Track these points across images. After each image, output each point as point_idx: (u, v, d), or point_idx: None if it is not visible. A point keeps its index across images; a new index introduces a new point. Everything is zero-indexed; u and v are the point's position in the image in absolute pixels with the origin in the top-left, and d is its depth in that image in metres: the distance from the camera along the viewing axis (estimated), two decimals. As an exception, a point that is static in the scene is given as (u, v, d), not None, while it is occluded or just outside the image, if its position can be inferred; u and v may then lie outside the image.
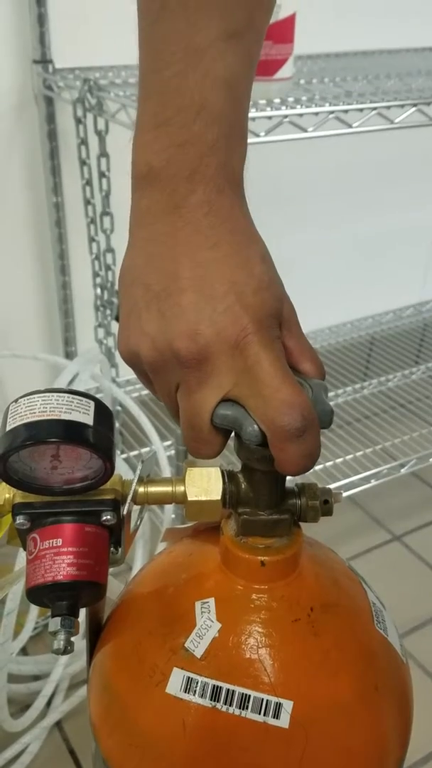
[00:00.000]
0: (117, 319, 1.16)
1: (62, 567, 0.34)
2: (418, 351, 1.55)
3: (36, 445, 0.33)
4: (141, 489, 0.38)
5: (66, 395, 0.34)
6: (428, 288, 1.61)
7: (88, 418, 0.34)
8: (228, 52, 0.31)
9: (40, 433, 0.33)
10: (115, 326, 1.06)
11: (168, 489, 0.38)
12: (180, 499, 0.38)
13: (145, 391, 1.30)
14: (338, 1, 1.17)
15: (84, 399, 0.35)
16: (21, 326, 1.15)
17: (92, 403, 0.34)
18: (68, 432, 0.33)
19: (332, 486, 1.09)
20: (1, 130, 1.02)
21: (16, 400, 0.35)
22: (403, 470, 1.15)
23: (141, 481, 0.38)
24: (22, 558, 0.74)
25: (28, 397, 0.34)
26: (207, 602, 0.38)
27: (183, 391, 0.34)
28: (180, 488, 0.38)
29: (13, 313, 1.13)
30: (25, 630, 0.91)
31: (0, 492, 0.37)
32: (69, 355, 1.17)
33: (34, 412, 0.33)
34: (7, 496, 0.37)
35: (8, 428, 0.33)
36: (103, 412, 0.35)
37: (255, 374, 0.32)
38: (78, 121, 0.91)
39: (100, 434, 0.33)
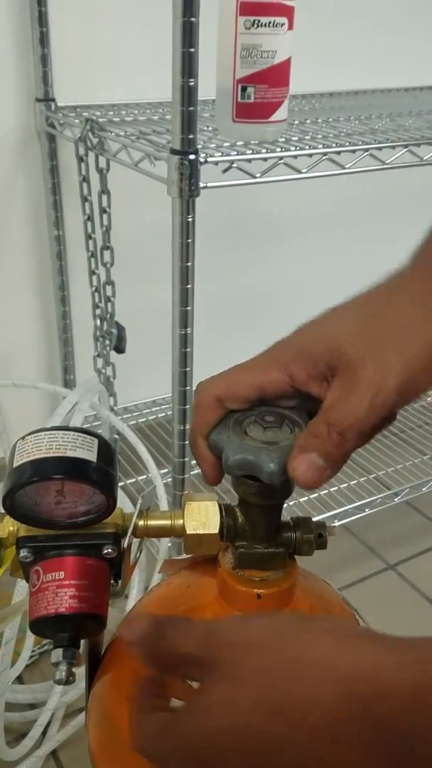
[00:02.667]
0: (116, 349, 1.16)
1: (64, 600, 0.35)
2: (411, 380, 1.57)
3: (42, 481, 0.34)
4: (141, 522, 0.39)
5: (71, 433, 0.36)
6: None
7: (91, 455, 0.35)
8: None
9: (46, 469, 0.34)
10: (113, 356, 1.08)
11: (167, 522, 0.39)
12: (179, 533, 0.39)
13: (143, 419, 1.32)
14: (330, 42, 1.21)
15: (88, 436, 0.36)
16: (21, 355, 1.17)
17: (96, 441, 0.36)
18: (73, 469, 0.34)
19: (327, 515, 1.10)
20: (6, 166, 1.05)
21: (23, 437, 0.36)
22: (396, 499, 1.16)
23: (141, 514, 0.39)
24: (20, 588, 0.75)
25: (35, 435, 0.36)
26: (205, 633, 0.39)
27: None
28: (179, 522, 0.39)
29: (13, 342, 1.15)
30: (21, 658, 0.91)
31: (4, 525, 0.38)
32: (68, 384, 1.18)
33: (41, 449, 0.35)
34: (11, 528, 0.38)
35: (15, 465, 0.35)
36: (105, 450, 0.36)
37: None
38: (80, 159, 0.93)
39: (102, 471, 0.35)
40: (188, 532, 0.38)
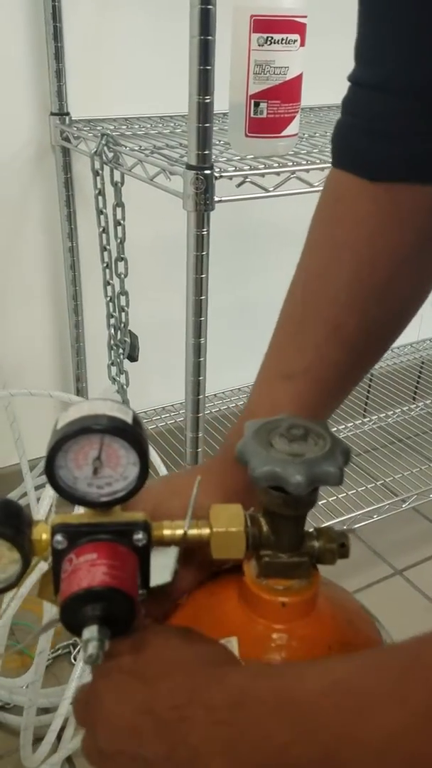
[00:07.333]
0: (129, 357, 1.17)
1: (97, 575, 0.35)
2: (415, 388, 1.59)
3: (85, 433, 0.35)
4: (167, 531, 0.40)
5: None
6: (425, 327, 1.65)
7: (129, 419, 0.37)
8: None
9: (88, 424, 0.35)
10: (127, 364, 1.10)
11: (195, 531, 0.41)
12: (205, 539, 0.40)
13: (153, 426, 1.33)
14: (339, 55, 1.23)
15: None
16: (35, 364, 1.19)
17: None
18: (112, 424, 0.35)
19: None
20: (21, 178, 1.06)
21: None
22: (404, 506, 1.17)
23: (168, 526, 0.40)
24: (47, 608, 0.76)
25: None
26: (230, 641, 0.40)
27: None
28: (206, 530, 0.40)
29: (27, 351, 1.17)
30: (35, 663, 0.93)
31: (38, 531, 0.40)
32: (80, 392, 1.20)
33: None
34: (44, 536, 0.40)
35: (59, 427, 0.36)
36: (138, 420, 0.37)
37: None
38: (95, 173, 0.95)
39: (138, 432, 0.36)
40: (215, 529, 0.39)
